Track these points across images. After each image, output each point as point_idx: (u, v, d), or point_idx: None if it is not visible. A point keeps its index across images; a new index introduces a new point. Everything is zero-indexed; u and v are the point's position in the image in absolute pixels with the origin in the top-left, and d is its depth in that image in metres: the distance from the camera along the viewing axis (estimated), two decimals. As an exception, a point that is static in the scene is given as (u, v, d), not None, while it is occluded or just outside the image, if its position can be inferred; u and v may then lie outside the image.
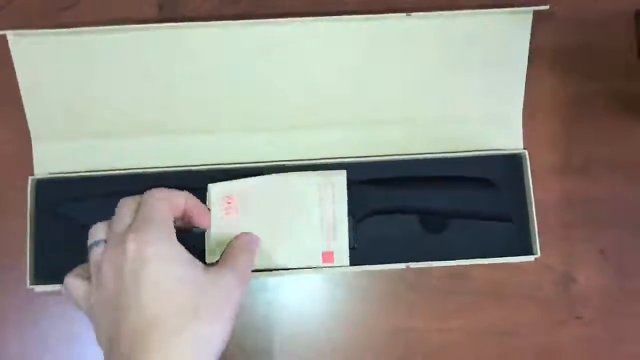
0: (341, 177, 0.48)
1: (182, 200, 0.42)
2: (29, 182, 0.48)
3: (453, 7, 0.49)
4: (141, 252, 0.37)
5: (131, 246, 0.37)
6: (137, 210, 0.40)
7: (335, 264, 0.47)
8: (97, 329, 0.39)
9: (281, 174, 0.47)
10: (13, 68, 0.48)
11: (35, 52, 0.47)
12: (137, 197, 0.41)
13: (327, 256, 0.47)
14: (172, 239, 0.39)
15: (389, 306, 0.51)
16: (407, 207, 0.49)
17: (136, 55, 0.48)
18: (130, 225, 0.39)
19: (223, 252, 0.44)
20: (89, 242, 0.41)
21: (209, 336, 0.37)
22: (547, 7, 0.48)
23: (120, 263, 0.37)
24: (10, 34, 0.47)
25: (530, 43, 0.50)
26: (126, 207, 0.41)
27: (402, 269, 0.48)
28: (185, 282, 0.37)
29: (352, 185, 0.49)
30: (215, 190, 0.46)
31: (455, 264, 0.48)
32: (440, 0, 0.52)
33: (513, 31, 0.49)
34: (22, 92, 0.48)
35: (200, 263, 0.40)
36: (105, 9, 0.52)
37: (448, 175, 0.51)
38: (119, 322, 0.36)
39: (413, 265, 0.48)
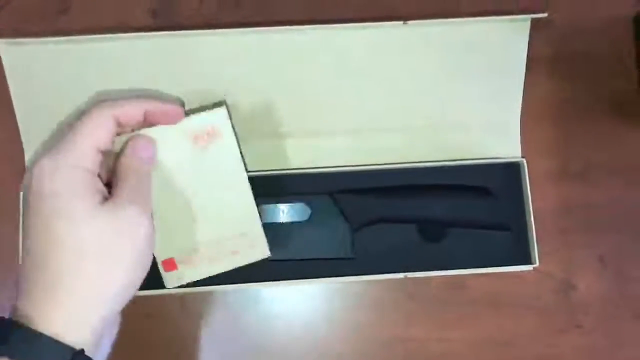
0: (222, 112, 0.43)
1: (135, 110, 0.39)
2: (21, 193, 0.47)
3: (451, 14, 0.48)
4: (39, 184, 0.35)
5: (35, 172, 0.35)
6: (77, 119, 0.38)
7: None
8: None
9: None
10: (4, 75, 0.47)
11: (27, 60, 0.47)
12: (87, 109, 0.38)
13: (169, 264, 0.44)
14: (87, 171, 0.36)
15: (387, 316, 0.50)
16: (405, 216, 0.49)
17: (129, 63, 0.47)
18: (52, 148, 0.37)
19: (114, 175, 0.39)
20: None
21: (106, 282, 0.35)
22: (546, 14, 0.48)
23: (26, 189, 0.36)
24: (1, 43, 0.46)
25: (528, 50, 0.49)
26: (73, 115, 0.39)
27: (400, 278, 0.48)
28: (83, 227, 0.34)
29: (351, 194, 0.49)
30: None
31: (453, 274, 0.48)
32: (438, 7, 0.52)
33: (511, 39, 0.49)
34: (13, 100, 0.47)
35: (101, 198, 0.36)
36: (98, 15, 0.51)
37: (446, 184, 0.50)
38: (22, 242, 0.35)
39: (411, 275, 0.48)
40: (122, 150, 0.40)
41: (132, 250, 0.36)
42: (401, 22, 0.47)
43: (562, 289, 0.51)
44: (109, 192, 0.38)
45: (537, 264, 0.48)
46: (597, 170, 0.52)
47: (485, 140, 0.51)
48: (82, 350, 0.34)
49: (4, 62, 0.47)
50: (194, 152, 0.42)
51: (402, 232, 0.49)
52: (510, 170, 0.50)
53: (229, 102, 0.48)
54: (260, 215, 0.45)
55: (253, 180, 0.47)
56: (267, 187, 0.49)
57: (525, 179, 0.49)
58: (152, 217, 0.38)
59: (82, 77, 0.47)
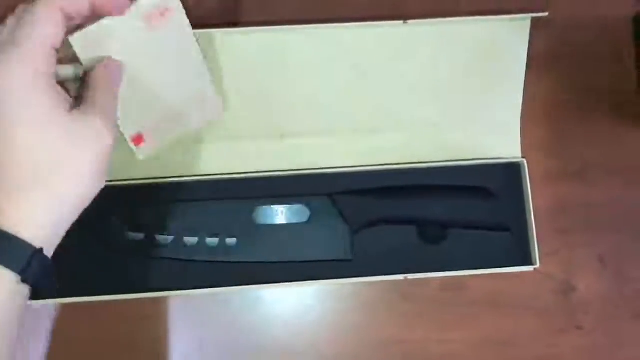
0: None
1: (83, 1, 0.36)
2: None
3: (451, 14, 0.48)
4: (5, 78, 0.32)
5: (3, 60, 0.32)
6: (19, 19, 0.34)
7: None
8: None
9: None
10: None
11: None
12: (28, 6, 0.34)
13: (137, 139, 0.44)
14: (39, 71, 0.33)
15: (387, 317, 0.50)
16: (405, 217, 0.49)
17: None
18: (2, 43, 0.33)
19: (83, 87, 0.37)
20: None
21: (67, 194, 0.34)
22: (546, 14, 0.47)
23: None
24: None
25: (528, 50, 0.49)
26: (14, 16, 0.35)
27: (400, 279, 0.48)
28: (40, 131, 0.33)
29: (350, 196, 0.48)
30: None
31: (453, 275, 0.48)
32: (438, 7, 0.51)
33: (511, 38, 0.49)
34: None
35: (66, 105, 0.34)
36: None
37: (446, 185, 0.50)
38: None
39: (411, 276, 0.48)
40: (92, 66, 0.38)
41: (92, 162, 0.34)
42: (401, 22, 0.47)
43: (562, 289, 0.51)
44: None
45: (537, 265, 0.48)
46: (596, 170, 0.52)
47: (486, 141, 0.51)
48: (41, 250, 0.33)
49: None
50: (148, 33, 0.41)
51: (401, 233, 0.49)
52: (511, 170, 0.50)
53: (226, 101, 0.48)
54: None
55: (252, 182, 0.47)
56: (266, 189, 0.49)
57: (525, 179, 0.49)
58: (115, 130, 0.37)
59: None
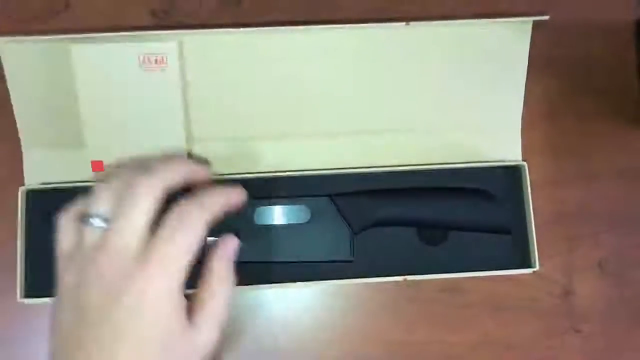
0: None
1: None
2: (19, 192, 0.47)
3: (452, 16, 0.48)
4: (145, 294, 0.34)
5: (145, 276, 0.34)
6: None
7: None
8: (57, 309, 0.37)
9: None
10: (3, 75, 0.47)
11: (27, 59, 0.46)
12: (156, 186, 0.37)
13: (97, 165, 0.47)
14: (179, 284, 0.36)
15: (387, 319, 0.50)
16: (405, 219, 0.49)
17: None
18: (151, 240, 0.36)
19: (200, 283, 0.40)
20: (78, 208, 0.39)
21: None
22: (547, 17, 0.47)
23: (119, 285, 0.34)
24: (1, 41, 0.46)
25: (529, 53, 0.49)
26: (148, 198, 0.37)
27: (399, 281, 0.48)
28: (162, 347, 0.35)
29: (351, 197, 0.48)
30: None
31: (453, 277, 0.48)
32: (439, 9, 0.51)
33: (512, 41, 0.49)
34: (12, 100, 0.47)
35: (184, 312, 0.36)
36: (97, 15, 0.51)
37: (446, 187, 0.50)
38: (79, 334, 0.34)
39: (411, 277, 0.48)
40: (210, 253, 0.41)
41: None
42: (403, 23, 0.47)
43: (561, 292, 0.51)
44: None
45: (536, 268, 0.48)
46: (597, 174, 0.52)
47: (486, 143, 0.51)
48: None
49: (3, 61, 0.46)
50: (142, 73, 0.46)
51: (402, 234, 0.49)
52: (511, 173, 0.50)
53: (228, 102, 0.48)
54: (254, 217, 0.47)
55: (253, 182, 0.47)
56: (266, 189, 0.49)
57: (526, 182, 0.49)
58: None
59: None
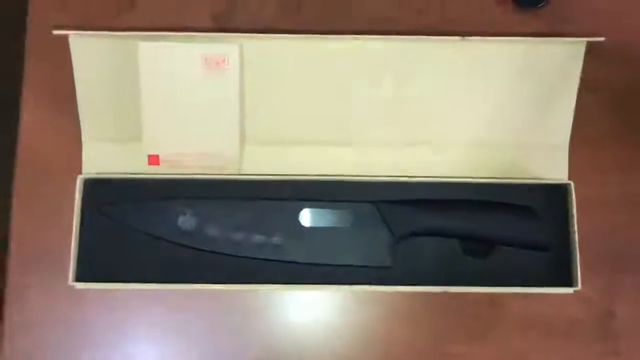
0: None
1: None
2: (77, 181, 0.49)
3: (506, 34, 0.49)
4: None
5: None
6: None
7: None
8: None
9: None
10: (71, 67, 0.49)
11: (94, 54, 0.48)
12: None
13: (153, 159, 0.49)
14: None
15: (423, 328, 0.50)
16: (447, 230, 0.49)
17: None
18: None
19: None
20: None
21: None
22: (603, 38, 0.48)
23: None
24: (71, 35, 0.48)
25: (582, 74, 0.49)
26: None
27: (438, 292, 0.48)
28: None
29: (395, 205, 0.49)
30: None
31: (492, 291, 0.48)
32: (494, 27, 0.52)
33: (565, 61, 0.49)
34: (77, 93, 0.49)
35: None
36: (160, 16, 0.52)
37: (491, 201, 0.50)
38: None
39: (449, 289, 0.48)
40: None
41: None
42: (459, 38, 0.48)
43: (601, 314, 0.50)
44: None
45: (578, 287, 0.48)
46: (641, 198, 0.52)
47: (534, 160, 0.51)
48: None
49: (72, 54, 0.48)
50: (204, 72, 0.48)
51: (443, 245, 0.50)
52: (557, 191, 0.50)
53: (282, 106, 0.50)
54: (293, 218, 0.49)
55: (299, 184, 0.48)
56: (312, 192, 0.50)
57: (572, 201, 0.49)
58: None
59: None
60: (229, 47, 0.48)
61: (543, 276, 0.49)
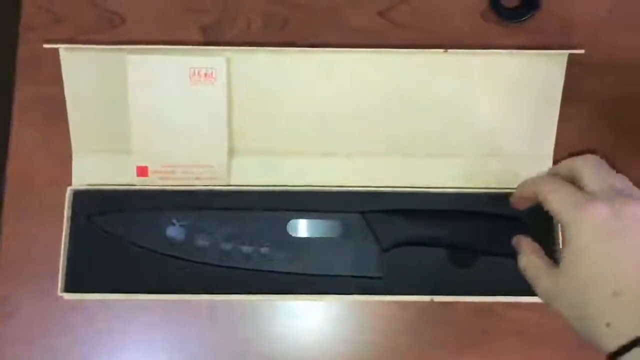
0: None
1: None
2: (67, 192, 0.49)
3: (490, 46, 0.50)
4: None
5: None
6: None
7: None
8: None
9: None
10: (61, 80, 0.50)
11: (84, 66, 0.49)
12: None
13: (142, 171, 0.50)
14: None
15: (413, 338, 0.51)
16: (436, 240, 0.50)
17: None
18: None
19: None
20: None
21: None
22: (583, 51, 0.49)
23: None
24: (61, 48, 0.49)
25: (564, 85, 0.50)
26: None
27: (426, 301, 0.48)
28: None
29: (382, 214, 0.49)
30: None
31: (481, 300, 0.48)
32: (477, 40, 0.53)
33: (548, 73, 0.50)
34: (67, 105, 0.50)
35: None
36: (150, 31, 0.53)
37: (479, 211, 0.51)
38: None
39: (437, 298, 0.48)
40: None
41: None
42: (442, 50, 0.49)
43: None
44: None
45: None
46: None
47: (519, 170, 0.51)
48: None
49: (62, 68, 0.49)
50: (189, 87, 0.49)
51: (431, 255, 0.50)
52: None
53: (269, 118, 0.50)
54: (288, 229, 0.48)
55: (286, 195, 0.49)
56: (300, 202, 0.50)
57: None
58: None
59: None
60: (217, 61, 0.48)
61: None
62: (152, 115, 0.49)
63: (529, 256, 0.42)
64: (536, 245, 0.43)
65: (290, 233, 0.50)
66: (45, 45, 0.48)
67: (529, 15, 0.53)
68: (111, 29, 0.53)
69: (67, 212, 0.49)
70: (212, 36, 0.53)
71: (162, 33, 0.53)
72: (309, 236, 0.50)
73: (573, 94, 0.52)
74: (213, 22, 0.53)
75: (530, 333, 0.51)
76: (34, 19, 0.53)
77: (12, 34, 0.53)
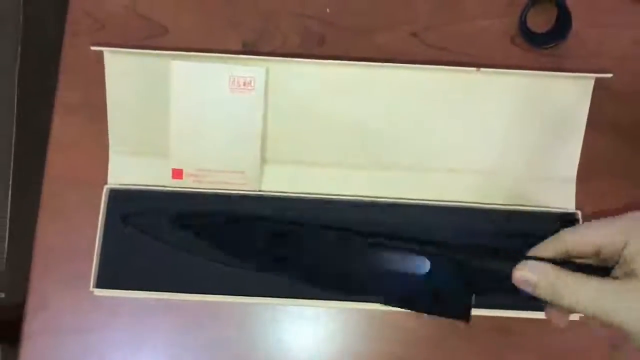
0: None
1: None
2: (103, 190, 0.51)
3: (519, 67, 0.51)
4: None
5: None
6: None
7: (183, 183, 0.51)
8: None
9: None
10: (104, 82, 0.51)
11: (127, 70, 0.51)
12: None
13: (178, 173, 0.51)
14: None
15: (432, 352, 0.51)
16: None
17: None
18: None
19: None
20: None
21: None
22: (611, 75, 0.50)
23: None
24: (106, 51, 0.50)
25: (590, 109, 0.52)
26: None
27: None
28: None
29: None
30: None
31: (499, 315, 0.49)
32: (506, 62, 0.55)
33: (574, 96, 0.52)
34: (108, 106, 0.52)
35: None
36: (192, 42, 0.55)
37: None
38: None
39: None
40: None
41: None
42: (474, 69, 0.50)
43: (609, 341, 0.51)
44: None
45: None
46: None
47: (543, 190, 0.53)
48: None
49: (106, 69, 0.51)
50: (229, 94, 0.50)
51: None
52: (565, 220, 0.52)
53: (302, 129, 0.52)
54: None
55: (320, 205, 0.51)
56: (334, 213, 0.52)
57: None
58: None
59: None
60: (256, 70, 0.50)
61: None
62: (190, 120, 0.51)
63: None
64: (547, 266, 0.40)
65: (371, 264, 0.48)
66: (92, 48, 0.50)
67: (554, 44, 0.55)
68: (154, 38, 0.55)
69: (102, 210, 0.50)
70: (251, 49, 0.55)
71: (203, 45, 0.55)
72: (394, 270, 0.47)
73: (598, 119, 0.53)
74: (253, 37, 0.55)
75: (553, 351, 0.51)
76: (79, 26, 0.55)
77: (57, 39, 0.55)
